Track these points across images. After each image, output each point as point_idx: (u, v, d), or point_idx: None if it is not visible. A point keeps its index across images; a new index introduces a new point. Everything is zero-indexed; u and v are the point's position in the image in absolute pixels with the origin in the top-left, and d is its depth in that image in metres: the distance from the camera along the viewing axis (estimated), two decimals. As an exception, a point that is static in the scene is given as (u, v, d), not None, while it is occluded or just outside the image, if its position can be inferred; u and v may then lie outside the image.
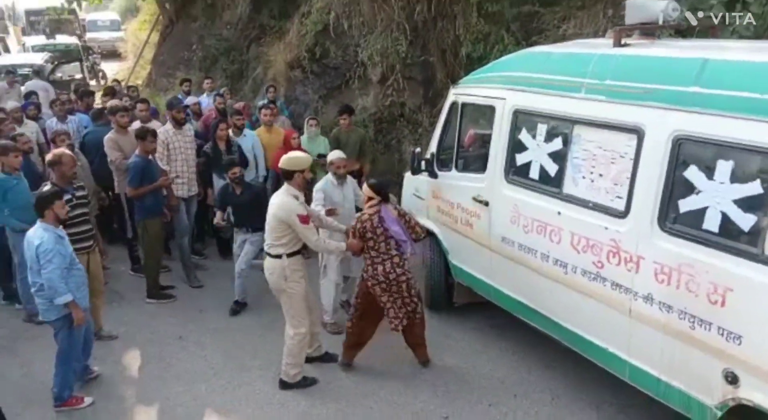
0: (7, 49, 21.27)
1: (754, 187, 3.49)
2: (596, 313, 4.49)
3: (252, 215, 6.43)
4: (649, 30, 4.86)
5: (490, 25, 8.59)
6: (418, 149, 6.59)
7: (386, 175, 8.90)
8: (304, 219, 5.00)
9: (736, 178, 3.59)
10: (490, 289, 5.68)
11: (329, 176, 6.13)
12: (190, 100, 10.02)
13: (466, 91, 6.03)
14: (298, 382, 5.28)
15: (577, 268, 4.61)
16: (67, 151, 5.97)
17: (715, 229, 3.69)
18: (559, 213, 4.77)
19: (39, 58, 17.04)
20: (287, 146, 7.61)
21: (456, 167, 6.09)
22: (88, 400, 5.24)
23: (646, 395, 4.28)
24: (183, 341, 6.11)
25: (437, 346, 5.81)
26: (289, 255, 5.08)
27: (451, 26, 8.89)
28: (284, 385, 5.28)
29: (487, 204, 5.55)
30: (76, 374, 5.30)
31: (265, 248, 5.18)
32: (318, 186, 6.07)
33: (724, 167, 3.64)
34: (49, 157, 5.95)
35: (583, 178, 4.62)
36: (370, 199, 5.33)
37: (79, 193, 5.81)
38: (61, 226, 5.06)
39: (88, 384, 5.42)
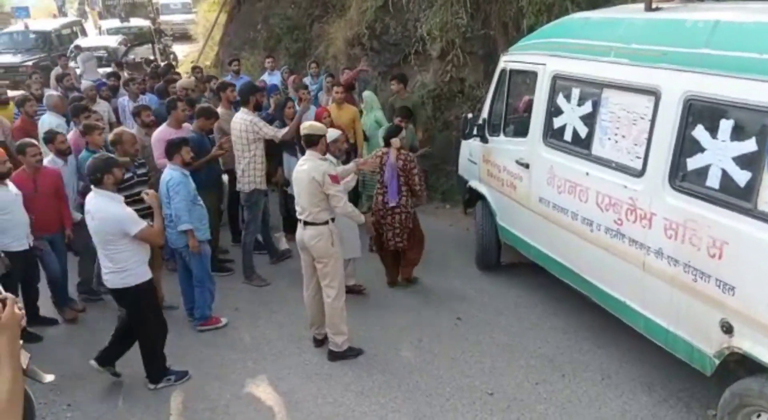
0: (84, 33, 22.14)
1: (750, 145, 3.62)
2: (616, 268, 4.71)
3: None
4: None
5: (553, -5, 8.25)
6: (470, 115, 6.91)
7: (447, 151, 9.02)
8: (335, 178, 5.14)
9: (735, 136, 3.72)
10: (531, 249, 5.96)
11: (329, 156, 5.63)
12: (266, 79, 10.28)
13: (513, 58, 6.26)
14: (344, 352, 5.32)
15: (601, 226, 4.82)
16: (127, 129, 6.20)
17: (716, 186, 3.84)
18: (587, 173, 4.99)
19: (113, 41, 17.74)
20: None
21: (504, 132, 6.36)
22: (224, 320, 5.99)
23: (699, 380, 4.32)
24: (239, 312, 6.26)
25: (488, 323, 5.88)
26: (332, 220, 5.20)
27: (513, -3, 8.57)
28: (333, 355, 5.33)
29: (528, 166, 5.81)
30: (212, 295, 5.97)
31: (308, 219, 5.13)
32: None
33: (725, 126, 3.77)
34: (110, 136, 6.05)
35: (609, 139, 4.81)
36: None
37: (140, 171, 5.99)
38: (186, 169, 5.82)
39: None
